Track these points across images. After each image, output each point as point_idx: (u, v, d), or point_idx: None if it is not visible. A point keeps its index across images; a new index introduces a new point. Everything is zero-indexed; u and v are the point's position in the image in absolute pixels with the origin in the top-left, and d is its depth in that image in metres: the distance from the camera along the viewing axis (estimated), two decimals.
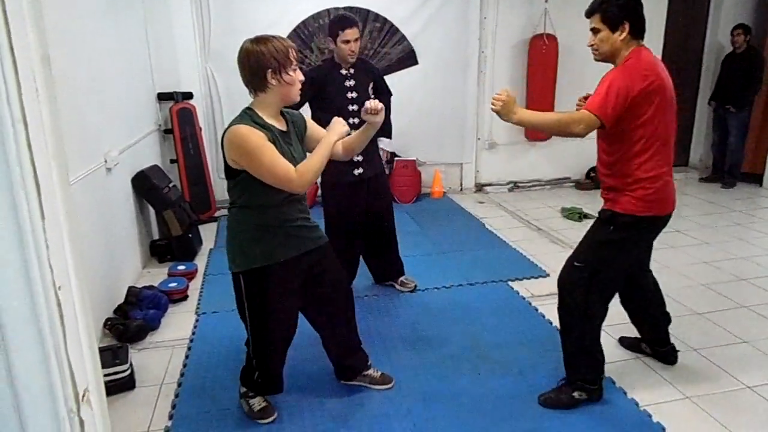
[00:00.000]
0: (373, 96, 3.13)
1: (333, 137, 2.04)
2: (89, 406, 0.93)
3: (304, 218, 2.13)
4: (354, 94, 3.05)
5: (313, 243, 2.16)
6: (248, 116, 1.96)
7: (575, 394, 2.34)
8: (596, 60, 2.26)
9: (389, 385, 2.49)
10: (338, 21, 3.04)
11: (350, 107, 3.03)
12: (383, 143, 3.22)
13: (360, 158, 3.09)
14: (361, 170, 3.13)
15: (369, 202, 3.22)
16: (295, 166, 1.95)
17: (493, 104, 2.18)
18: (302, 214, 2.12)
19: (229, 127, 1.94)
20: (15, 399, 0.87)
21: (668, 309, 2.60)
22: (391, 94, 3.36)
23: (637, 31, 2.15)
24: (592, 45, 2.22)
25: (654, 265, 2.57)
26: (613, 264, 2.26)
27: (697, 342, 2.83)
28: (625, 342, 2.80)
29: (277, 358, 2.26)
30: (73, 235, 0.95)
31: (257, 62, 1.90)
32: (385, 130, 3.29)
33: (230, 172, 1.99)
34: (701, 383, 2.51)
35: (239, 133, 1.89)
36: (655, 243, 2.41)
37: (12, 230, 0.83)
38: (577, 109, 2.28)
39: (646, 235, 2.30)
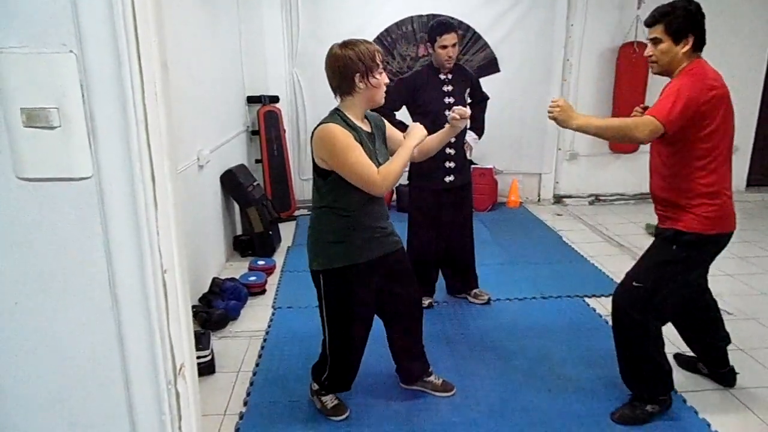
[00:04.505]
0: (469, 101, 3.15)
1: (413, 142, 2.07)
2: (184, 380, 1.02)
3: (384, 222, 2.18)
4: (451, 99, 3.05)
5: (391, 246, 2.21)
6: (338, 116, 2.01)
7: (648, 407, 2.29)
8: (654, 73, 2.20)
9: (450, 393, 2.49)
10: (437, 26, 3.05)
11: (447, 112, 3.07)
12: (470, 136, 3.22)
13: (452, 165, 3.11)
14: (452, 178, 3.14)
15: (452, 211, 3.22)
16: (378, 167, 1.99)
17: (550, 112, 2.14)
18: (383, 218, 2.17)
19: (319, 125, 1.99)
20: (123, 365, 0.97)
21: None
22: (488, 98, 3.36)
23: (700, 44, 2.08)
24: (650, 56, 2.14)
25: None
26: (673, 284, 2.17)
27: None
28: (681, 360, 2.67)
29: (352, 357, 2.30)
30: (178, 224, 1.05)
31: (345, 66, 1.94)
32: (479, 129, 3.31)
33: (320, 172, 2.04)
34: None
35: (329, 131, 1.94)
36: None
37: (131, 217, 0.93)
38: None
39: (710, 254, 2.19)
